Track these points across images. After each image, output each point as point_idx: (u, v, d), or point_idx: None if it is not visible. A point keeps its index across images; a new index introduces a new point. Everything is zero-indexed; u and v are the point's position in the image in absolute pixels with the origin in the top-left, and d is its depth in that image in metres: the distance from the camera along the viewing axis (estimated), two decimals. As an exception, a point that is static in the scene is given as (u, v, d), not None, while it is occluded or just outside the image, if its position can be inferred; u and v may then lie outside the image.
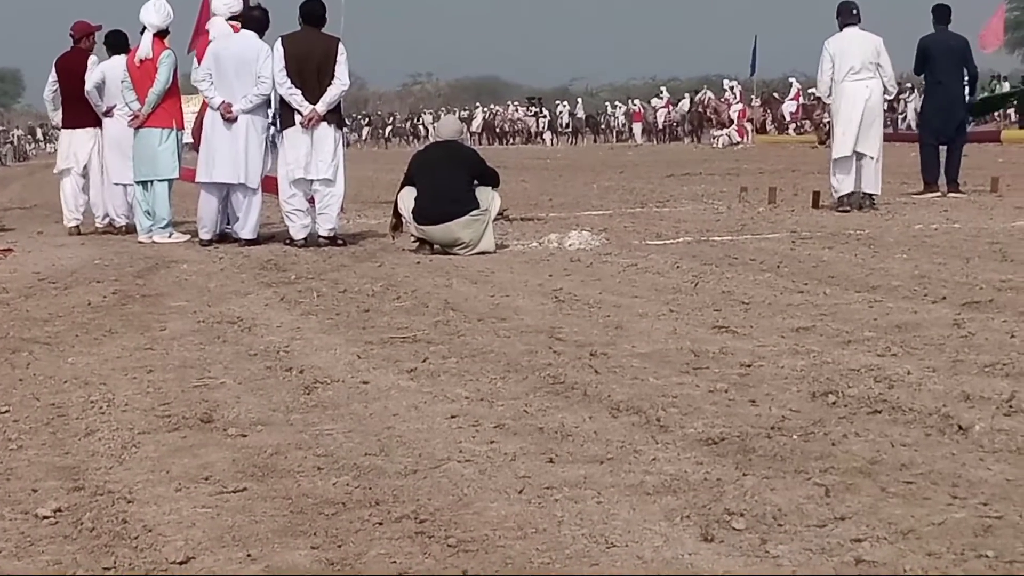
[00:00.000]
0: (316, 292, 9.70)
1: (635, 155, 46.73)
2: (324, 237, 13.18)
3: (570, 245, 12.39)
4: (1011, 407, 5.33)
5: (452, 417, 5.51)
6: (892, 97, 16.69)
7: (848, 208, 15.84)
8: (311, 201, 13.32)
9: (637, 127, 74.82)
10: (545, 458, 4.81)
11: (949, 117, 18.65)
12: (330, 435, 5.28)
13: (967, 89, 19.37)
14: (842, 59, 16.28)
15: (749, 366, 6.42)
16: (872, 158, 16.13)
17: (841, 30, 16.52)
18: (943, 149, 18.65)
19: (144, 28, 14.21)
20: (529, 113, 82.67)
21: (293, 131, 13.10)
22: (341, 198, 13.37)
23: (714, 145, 54.19)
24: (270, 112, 13.56)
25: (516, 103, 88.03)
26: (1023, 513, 4.03)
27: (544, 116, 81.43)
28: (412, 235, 12.34)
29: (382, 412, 5.67)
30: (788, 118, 64.38)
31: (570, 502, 4.28)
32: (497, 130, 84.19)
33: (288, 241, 13.30)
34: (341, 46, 13.25)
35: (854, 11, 16.50)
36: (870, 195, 16.16)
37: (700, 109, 65.91)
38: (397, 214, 12.46)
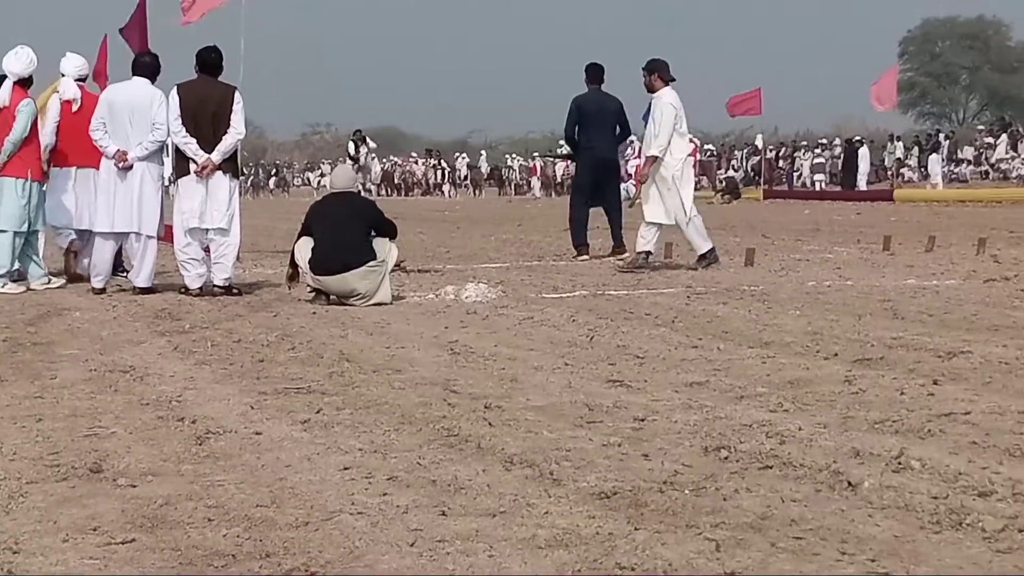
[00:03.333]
0: (210, 342, 9.64)
1: (533, 209, 46.85)
2: (219, 286, 13.09)
3: (467, 297, 12.39)
4: (900, 464, 5.38)
5: (345, 469, 5.49)
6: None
7: (643, 268, 15.67)
8: (206, 250, 13.24)
9: (536, 181, 75.05)
10: (438, 511, 4.79)
11: (602, 181, 18.34)
12: (221, 486, 5.23)
13: (626, 149, 19.24)
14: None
15: (643, 420, 6.44)
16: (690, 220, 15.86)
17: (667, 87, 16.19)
18: (602, 211, 18.53)
19: (4, 76, 14.08)
20: (428, 165, 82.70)
21: (188, 180, 13.03)
22: (236, 247, 13.31)
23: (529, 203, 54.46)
24: (165, 160, 13.51)
25: (415, 154, 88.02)
26: (910, 569, 4.06)
27: (443, 168, 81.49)
28: (308, 285, 12.30)
29: (274, 463, 5.64)
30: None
31: (462, 555, 4.27)
32: (396, 181, 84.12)
33: (183, 290, 13.20)
34: (237, 94, 13.20)
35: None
36: (702, 254, 15.94)
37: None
38: (294, 264, 12.42)
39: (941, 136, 66.15)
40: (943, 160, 61.46)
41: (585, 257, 17.78)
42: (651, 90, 16.12)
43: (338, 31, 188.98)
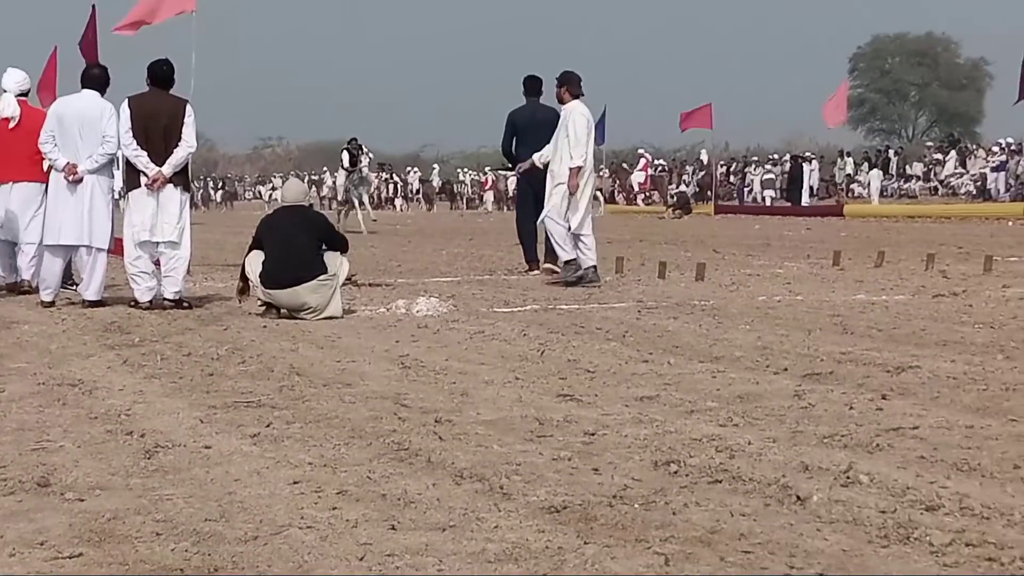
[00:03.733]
0: (160, 355, 9.60)
1: (485, 223, 46.88)
2: (169, 300, 13.05)
3: (418, 311, 12.39)
4: (848, 478, 5.41)
5: (294, 483, 5.47)
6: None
7: (587, 277, 15.66)
8: (157, 263, 13.19)
9: (489, 195, 75.17)
10: (387, 525, 4.78)
11: (542, 193, 17.39)
12: (170, 500, 5.21)
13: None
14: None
15: (593, 434, 6.45)
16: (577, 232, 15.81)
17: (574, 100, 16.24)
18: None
19: None
20: (380, 179, 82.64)
21: (139, 193, 12.98)
22: (187, 261, 13.27)
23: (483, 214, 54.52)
24: (116, 173, 13.45)
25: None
26: (858, 583, 4.09)
27: (395, 182, 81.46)
28: (259, 299, 12.27)
29: (224, 477, 5.62)
30: (636, 188, 65.08)
31: (411, 569, 4.26)
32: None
33: (133, 303, 13.14)
34: (189, 107, 13.17)
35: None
36: (594, 267, 15.92)
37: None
38: (244, 278, 12.39)
39: (891, 152, 66.53)
40: (890, 175, 61.89)
41: (537, 272, 17.70)
42: (561, 102, 16.27)
43: (290, 45, 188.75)
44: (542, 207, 17.76)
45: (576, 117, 15.87)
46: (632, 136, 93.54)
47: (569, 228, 15.73)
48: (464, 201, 79.75)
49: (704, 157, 67.67)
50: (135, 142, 12.90)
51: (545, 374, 8.50)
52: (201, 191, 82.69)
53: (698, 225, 41.56)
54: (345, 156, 37.53)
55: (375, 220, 38.71)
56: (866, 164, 64.32)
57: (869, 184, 58.36)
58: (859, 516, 4.83)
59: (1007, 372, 8.37)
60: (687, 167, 69.03)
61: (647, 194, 64.37)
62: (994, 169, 53.82)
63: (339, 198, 40.92)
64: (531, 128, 17.81)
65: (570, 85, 16.16)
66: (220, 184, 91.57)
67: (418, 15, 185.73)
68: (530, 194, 18.13)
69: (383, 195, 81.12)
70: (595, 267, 15.80)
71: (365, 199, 37.48)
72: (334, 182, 53.37)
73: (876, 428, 6.53)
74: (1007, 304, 12.78)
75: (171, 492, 5.35)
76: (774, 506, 5.02)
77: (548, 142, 17.66)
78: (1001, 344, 9.72)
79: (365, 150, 38.14)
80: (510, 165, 19.22)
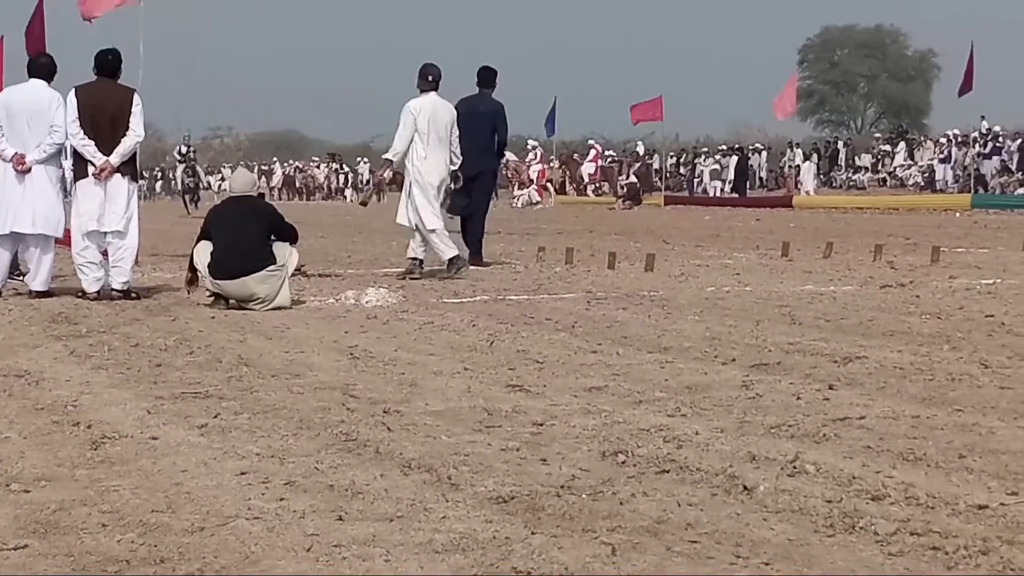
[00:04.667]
0: (107, 346, 9.56)
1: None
2: (117, 290, 12.99)
3: (367, 302, 12.37)
4: (795, 468, 5.43)
5: (242, 474, 5.46)
6: (456, 167, 15.72)
7: (417, 276, 15.46)
8: (104, 254, 13.12)
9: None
10: (335, 516, 4.78)
11: (473, 188, 17.77)
12: (116, 491, 5.19)
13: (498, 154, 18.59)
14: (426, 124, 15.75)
15: (541, 425, 6.46)
16: (432, 230, 15.61)
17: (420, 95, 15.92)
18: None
19: None
20: (330, 169, 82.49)
21: (86, 183, 12.92)
22: (135, 251, 13.22)
23: (514, 205, 54.55)
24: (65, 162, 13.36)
25: (317, 159, 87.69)
26: (804, 572, 4.10)
27: (345, 172, 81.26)
28: (208, 290, 12.23)
29: (171, 468, 5.60)
30: (587, 179, 65.14)
31: (358, 560, 4.26)
32: (298, 185, 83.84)
33: (80, 294, 13.07)
34: (136, 97, 13.12)
35: (430, 77, 15.87)
36: (450, 260, 15.61)
37: (502, 169, 66.41)
38: (193, 268, 12.34)
39: (840, 144, 66.77)
40: (839, 167, 62.15)
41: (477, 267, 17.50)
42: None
43: (239, 35, 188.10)
44: (469, 201, 17.65)
45: (403, 112, 15.75)
46: (582, 127, 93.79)
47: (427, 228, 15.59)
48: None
49: (640, 149, 67.78)
50: (82, 131, 12.84)
51: (494, 365, 8.51)
52: (150, 181, 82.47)
53: (648, 216, 41.64)
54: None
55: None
56: (815, 155, 64.53)
57: (802, 176, 58.52)
58: (805, 506, 4.85)
59: (953, 362, 8.42)
60: (644, 158, 69.12)
61: (597, 185, 64.43)
62: (941, 161, 54.15)
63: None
64: (468, 120, 17.49)
65: (417, 79, 15.98)
66: (160, 174, 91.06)
67: (370, 5, 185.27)
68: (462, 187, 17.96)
69: (333, 186, 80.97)
70: (457, 256, 15.69)
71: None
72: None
73: (823, 418, 6.57)
74: (954, 295, 12.87)
75: (118, 483, 5.33)
76: (721, 496, 5.04)
77: (486, 136, 17.59)
78: (947, 334, 9.78)
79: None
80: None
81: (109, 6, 17.25)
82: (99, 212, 12.91)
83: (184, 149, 47.01)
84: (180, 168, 46.36)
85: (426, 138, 15.63)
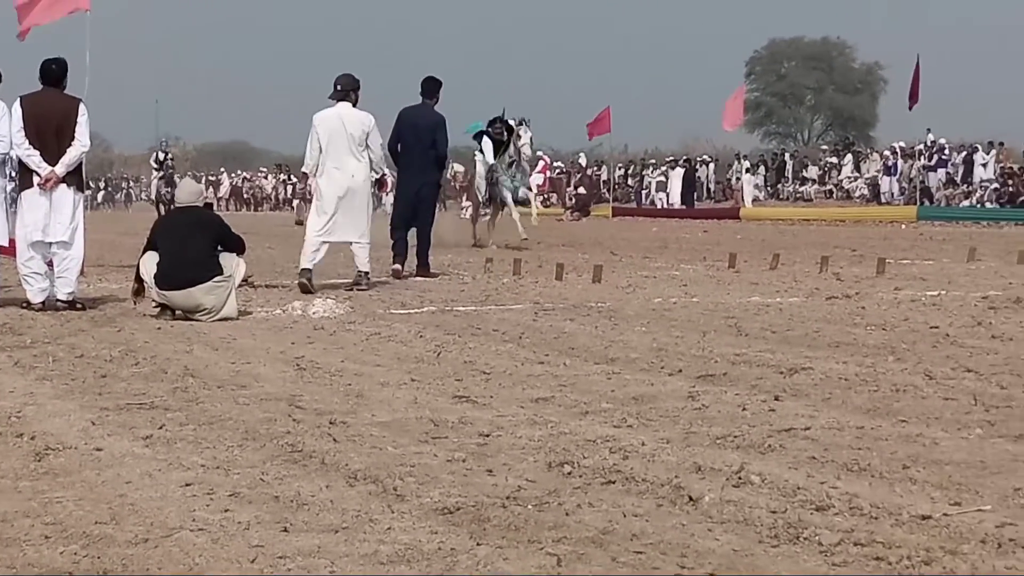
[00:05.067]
0: (52, 357, 9.50)
1: (384, 223, 46.75)
2: (62, 301, 12.90)
3: (314, 313, 12.34)
4: (740, 479, 5.45)
5: (187, 485, 5.44)
6: (378, 177, 15.79)
7: (309, 288, 14.87)
8: (50, 264, 13.04)
9: (387, 196, 74.90)
10: (279, 527, 4.77)
11: (417, 200, 17.71)
12: (60, 503, 5.16)
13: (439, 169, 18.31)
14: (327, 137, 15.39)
15: (487, 436, 6.46)
16: (356, 243, 15.43)
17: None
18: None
19: None
20: (278, 180, 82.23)
21: (31, 193, 12.83)
22: (80, 261, 13.13)
23: (462, 216, 54.51)
24: (10, 171, 13.25)
25: (264, 169, 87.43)
26: (748, 582, 4.12)
27: (293, 183, 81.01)
28: (154, 300, 12.17)
29: (115, 479, 5.57)
30: (535, 190, 65.12)
31: (303, 571, 4.25)
32: (245, 196, 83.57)
33: (25, 304, 12.98)
34: (82, 107, 13.03)
35: (338, 87, 15.47)
36: (366, 272, 15.50)
37: (451, 181, 66.33)
38: (139, 279, 12.28)
39: (787, 156, 67.01)
40: (786, 178, 62.40)
41: (398, 267, 17.36)
42: None
43: (188, 45, 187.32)
44: (415, 213, 17.54)
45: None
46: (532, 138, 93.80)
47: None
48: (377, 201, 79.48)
49: (583, 160, 67.84)
50: (27, 141, 12.75)
51: (441, 376, 8.50)
52: (98, 191, 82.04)
53: (596, 227, 41.70)
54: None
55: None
56: (762, 167, 64.77)
57: (742, 187, 58.74)
58: (750, 516, 4.87)
59: (898, 373, 8.47)
60: (586, 170, 69.21)
61: (546, 196, 64.50)
62: (886, 172, 54.43)
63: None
64: (410, 131, 17.52)
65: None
66: (103, 184, 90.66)
67: (317, 16, 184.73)
68: (406, 198, 17.89)
69: (281, 196, 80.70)
70: (364, 272, 15.50)
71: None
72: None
73: (768, 429, 6.59)
74: (899, 306, 12.93)
75: (61, 495, 5.30)
76: (666, 507, 5.05)
77: (428, 147, 17.45)
78: (892, 346, 9.84)
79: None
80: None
81: (58, 14, 17.16)
82: (44, 222, 12.82)
83: (161, 156, 44.41)
84: (156, 177, 43.84)
85: (328, 149, 15.37)
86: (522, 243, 24.72)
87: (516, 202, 26.18)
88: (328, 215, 15.37)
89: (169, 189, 41.13)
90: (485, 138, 26.34)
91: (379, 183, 16.13)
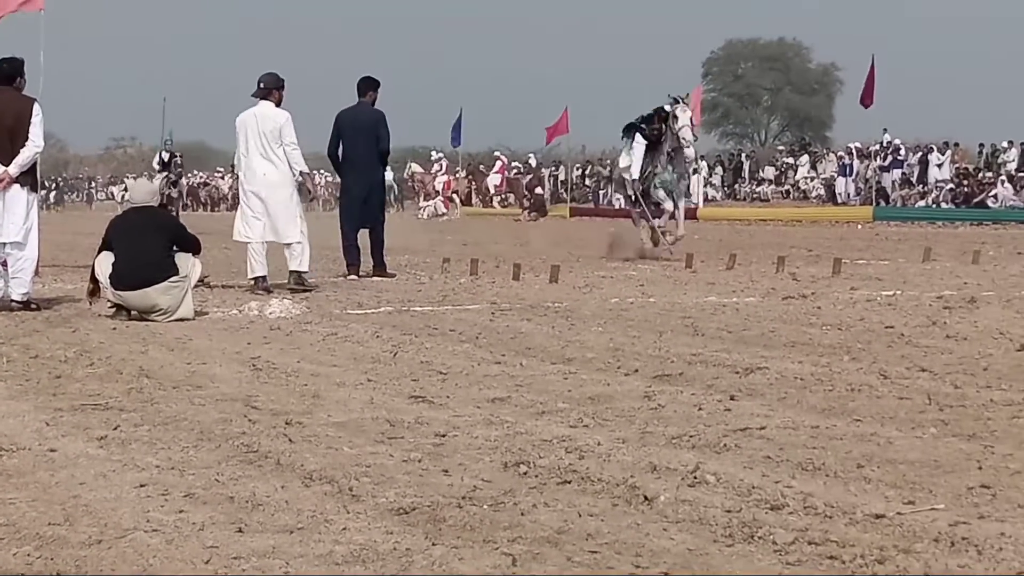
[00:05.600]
0: (6, 357, 9.44)
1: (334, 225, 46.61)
2: (16, 301, 12.83)
3: (270, 313, 12.32)
4: (695, 478, 5.46)
5: (141, 486, 5.42)
6: (298, 176, 15.46)
7: (264, 291, 14.92)
8: (4, 264, 12.97)
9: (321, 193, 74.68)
10: (234, 528, 4.75)
11: (367, 200, 17.62)
12: (13, 504, 5.13)
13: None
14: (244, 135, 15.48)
15: (443, 436, 6.46)
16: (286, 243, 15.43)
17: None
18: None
19: None
20: (235, 180, 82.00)
21: (-16, 193, 12.76)
22: (34, 261, 13.05)
23: (419, 216, 54.49)
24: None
25: (221, 169, 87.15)
26: (703, 581, 4.13)
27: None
28: (109, 300, 12.12)
29: (69, 480, 5.55)
30: (493, 191, 65.18)
31: (257, 572, 4.25)
32: (202, 197, 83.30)
33: (-22, 305, 12.91)
34: (36, 106, 12.94)
35: (261, 84, 15.45)
36: (298, 272, 15.39)
37: (408, 180, 66.29)
38: (94, 279, 12.23)
39: (743, 156, 67.20)
40: (743, 179, 62.61)
41: (354, 277, 17.35)
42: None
43: (144, 44, 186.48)
44: (362, 213, 17.46)
45: None
46: (488, 138, 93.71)
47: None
48: (320, 203, 79.35)
49: (532, 161, 67.87)
50: (-20, 141, 12.67)
51: (397, 376, 8.50)
52: (53, 192, 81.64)
53: (553, 228, 41.71)
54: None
55: None
56: (719, 167, 64.95)
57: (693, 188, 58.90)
58: (705, 516, 4.88)
59: (853, 373, 8.50)
60: (543, 170, 69.27)
61: (503, 196, 64.51)
62: (841, 174, 54.64)
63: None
64: (351, 131, 17.48)
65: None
66: (53, 185, 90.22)
67: (276, 16, 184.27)
68: (354, 199, 17.80)
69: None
70: (299, 272, 15.43)
71: None
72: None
73: (724, 428, 6.61)
74: (854, 306, 12.99)
75: (14, 496, 5.27)
76: (622, 506, 5.06)
77: (371, 145, 17.37)
78: (848, 345, 9.88)
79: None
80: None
81: (7, 9, 17.06)
82: (-3, 223, 12.74)
83: (166, 156, 41.70)
84: (159, 179, 41.10)
85: (245, 147, 15.42)
86: (666, 250, 21.65)
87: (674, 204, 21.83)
88: (254, 216, 15.43)
89: (170, 190, 39.56)
90: (638, 136, 21.89)
91: (302, 182, 15.90)
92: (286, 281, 15.39)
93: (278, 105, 15.41)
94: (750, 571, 4.25)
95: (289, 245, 15.39)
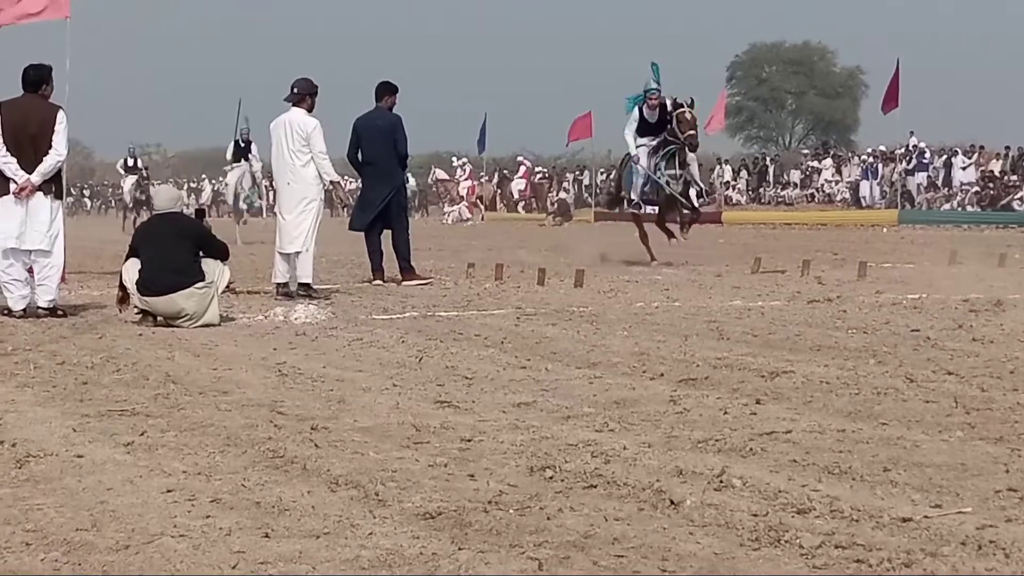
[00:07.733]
0: (33, 364, 9.47)
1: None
2: (43, 308, 12.87)
3: (296, 319, 12.35)
4: (721, 482, 5.46)
5: (168, 491, 5.43)
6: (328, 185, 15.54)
7: (284, 296, 15.15)
8: (31, 271, 13.01)
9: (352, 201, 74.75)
10: (261, 533, 4.76)
11: (388, 203, 17.56)
12: (40, 510, 5.15)
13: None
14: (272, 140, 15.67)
15: (469, 441, 6.46)
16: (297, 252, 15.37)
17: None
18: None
19: None
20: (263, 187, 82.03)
21: (7, 200, 12.77)
22: (60, 268, 13.09)
23: (444, 221, 54.53)
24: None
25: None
26: (729, 585, 4.13)
27: (275, 189, 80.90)
28: (135, 307, 12.15)
29: (96, 486, 5.56)
30: (517, 196, 65.21)
31: (284, 577, 4.25)
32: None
33: (6, 312, 12.94)
34: (61, 114, 12.95)
35: (295, 90, 15.52)
36: (305, 284, 15.31)
37: (432, 186, 66.36)
38: (123, 287, 12.27)
39: (768, 160, 67.11)
40: (768, 183, 62.52)
41: (380, 282, 17.37)
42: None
43: (170, 52, 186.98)
44: (385, 217, 17.48)
45: None
46: (513, 143, 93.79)
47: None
48: (344, 209, 79.42)
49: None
50: (3, 148, 12.69)
51: (423, 381, 8.50)
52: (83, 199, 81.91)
53: (578, 232, 41.68)
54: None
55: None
56: (743, 171, 64.90)
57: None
58: (731, 520, 4.88)
59: (878, 376, 8.49)
60: (567, 174, 69.28)
61: (527, 201, 64.53)
62: (865, 177, 54.54)
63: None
64: (369, 136, 17.50)
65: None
66: (79, 192, 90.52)
67: (302, 21, 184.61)
68: (374, 204, 17.77)
69: (266, 203, 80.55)
70: (304, 284, 15.37)
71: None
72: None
73: (750, 432, 6.60)
74: (880, 309, 12.96)
75: (42, 502, 5.29)
76: (648, 511, 5.05)
77: (389, 150, 17.34)
78: (873, 349, 9.86)
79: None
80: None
81: (23, 16, 17.04)
82: (19, 230, 12.76)
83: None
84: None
85: (278, 153, 15.53)
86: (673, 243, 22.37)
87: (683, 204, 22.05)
88: (281, 224, 15.55)
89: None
90: (636, 112, 21.69)
91: (332, 191, 15.96)
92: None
93: (310, 111, 15.45)
94: (777, 575, 4.25)
95: (295, 255, 15.38)
